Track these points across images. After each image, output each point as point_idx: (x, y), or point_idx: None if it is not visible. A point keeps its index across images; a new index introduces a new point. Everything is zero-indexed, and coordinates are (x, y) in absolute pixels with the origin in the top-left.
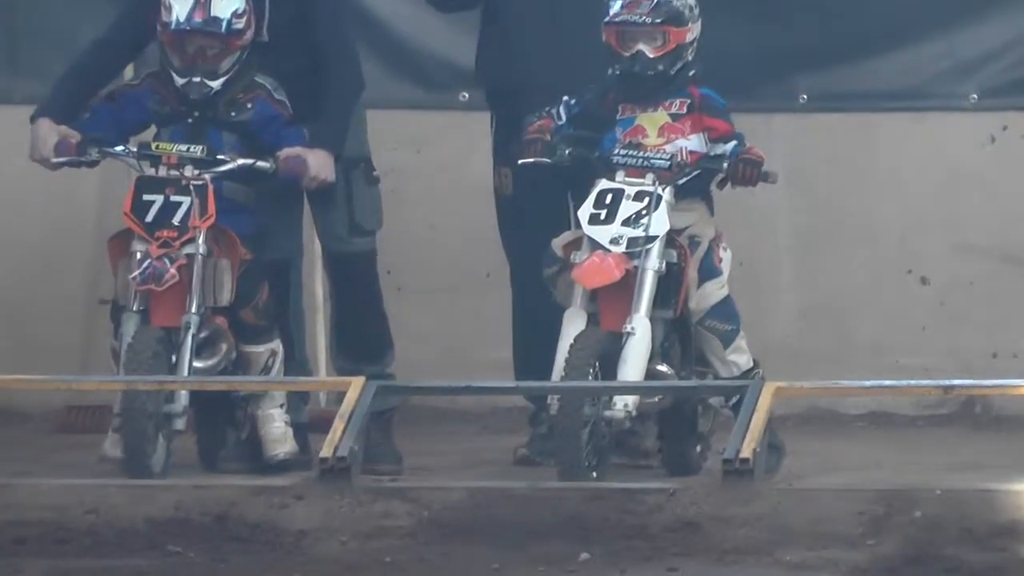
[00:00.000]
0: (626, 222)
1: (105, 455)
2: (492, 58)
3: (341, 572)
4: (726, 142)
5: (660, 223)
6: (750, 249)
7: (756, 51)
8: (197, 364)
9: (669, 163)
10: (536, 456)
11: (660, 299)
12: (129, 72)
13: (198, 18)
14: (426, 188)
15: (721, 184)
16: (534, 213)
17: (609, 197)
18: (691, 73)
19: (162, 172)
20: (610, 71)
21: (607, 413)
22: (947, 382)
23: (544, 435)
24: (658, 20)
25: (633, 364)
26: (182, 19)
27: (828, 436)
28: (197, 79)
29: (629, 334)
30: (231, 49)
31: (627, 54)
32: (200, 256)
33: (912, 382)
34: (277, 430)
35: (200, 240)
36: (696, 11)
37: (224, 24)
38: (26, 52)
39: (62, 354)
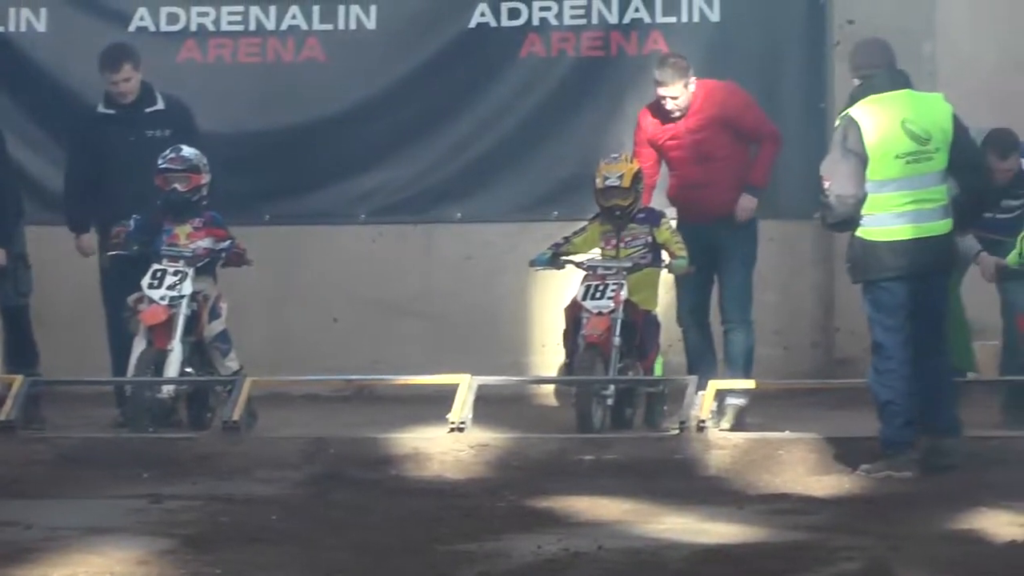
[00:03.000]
0: (169, 287)
1: None
2: (107, 195)
3: (10, 483)
4: (225, 241)
5: (188, 288)
6: (238, 301)
7: (230, 191)
8: None
9: (192, 254)
10: (123, 423)
11: (187, 331)
12: None
13: None
14: (54, 269)
15: (223, 266)
16: (126, 288)
17: (160, 273)
18: (205, 203)
19: None
20: (159, 201)
21: (158, 396)
22: (348, 377)
23: (124, 409)
24: (183, 169)
25: (173, 368)
26: None
27: (284, 409)
28: None
29: (170, 351)
30: None
31: (167, 189)
32: None
33: (327, 377)
34: None
35: None
36: (207, 166)
37: None
38: None
39: None
